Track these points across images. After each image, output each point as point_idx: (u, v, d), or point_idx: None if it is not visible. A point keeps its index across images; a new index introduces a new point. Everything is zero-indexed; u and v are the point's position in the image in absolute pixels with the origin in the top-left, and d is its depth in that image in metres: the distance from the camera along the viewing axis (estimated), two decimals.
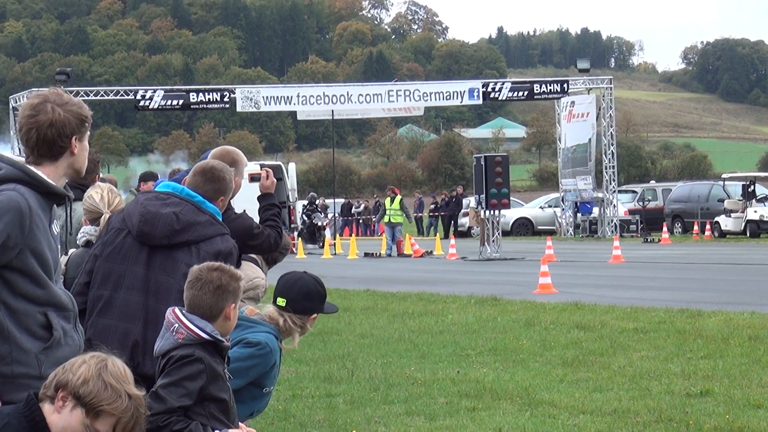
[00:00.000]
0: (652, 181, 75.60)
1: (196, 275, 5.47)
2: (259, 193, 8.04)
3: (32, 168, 5.01)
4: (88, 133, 5.22)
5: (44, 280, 4.96)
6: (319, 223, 48.67)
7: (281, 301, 5.97)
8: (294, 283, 6.07)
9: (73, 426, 4.20)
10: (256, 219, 7.95)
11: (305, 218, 49.58)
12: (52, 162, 5.08)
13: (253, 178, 8.09)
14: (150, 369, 6.18)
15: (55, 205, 5.12)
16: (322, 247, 45.63)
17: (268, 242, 7.61)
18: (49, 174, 5.03)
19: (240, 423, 5.59)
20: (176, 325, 5.40)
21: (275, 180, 8.13)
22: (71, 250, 7.30)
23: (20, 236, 4.86)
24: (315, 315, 6.15)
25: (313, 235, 48.02)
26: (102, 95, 56.75)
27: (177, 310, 5.46)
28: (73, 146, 5.10)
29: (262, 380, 6.38)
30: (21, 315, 4.84)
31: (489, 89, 54.60)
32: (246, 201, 8.52)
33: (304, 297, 6.04)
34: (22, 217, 4.86)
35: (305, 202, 51.83)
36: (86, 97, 55.18)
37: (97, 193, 7.40)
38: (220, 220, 6.54)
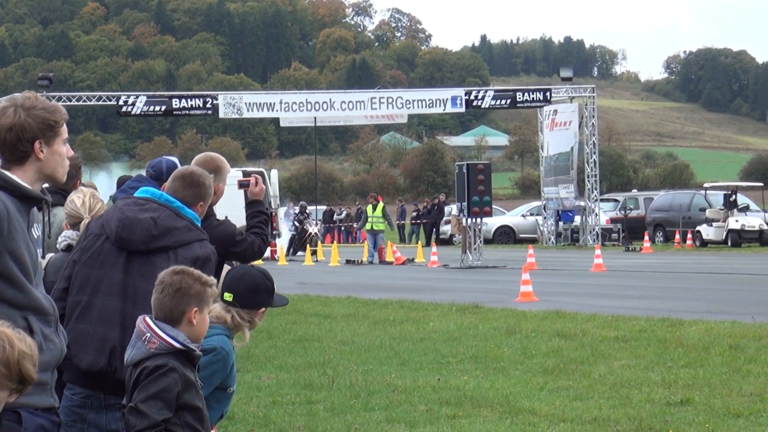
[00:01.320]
0: (634, 190, 75.81)
1: (160, 279, 5.44)
2: (246, 200, 8.03)
3: (5, 172, 4.99)
4: (62, 137, 5.16)
5: (24, 284, 4.94)
6: (311, 230, 48.51)
7: (228, 296, 5.93)
8: (241, 277, 6.03)
9: None
10: (240, 225, 7.94)
11: (296, 224, 49.53)
12: (19, 166, 5.06)
13: (242, 184, 8.07)
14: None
15: (35, 209, 5.10)
16: (314, 253, 45.58)
17: (252, 249, 7.59)
18: (20, 178, 5.01)
19: (211, 429, 5.56)
20: (148, 334, 5.34)
21: (264, 187, 8.13)
22: (49, 255, 7.29)
23: None
24: (263, 309, 6.11)
25: (303, 242, 47.91)
26: (84, 101, 56.69)
27: (148, 318, 5.40)
28: (36, 151, 5.06)
29: (225, 382, 6.36)
30: (3, 319, 4.82)
31: (472, 97, 54.64)
32: (230, 207, 8.51)
33: (252, 291, 5.99)
34: (0, 221, 4.84)
35: (296, 209, 51.81)
36: (68, 103, 55.09)
37: (78, 198, 7.40)
38: (199, 225, 6.53)
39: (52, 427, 5.09)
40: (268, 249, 45.58)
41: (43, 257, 6.98)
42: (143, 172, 8.46)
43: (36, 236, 5.10)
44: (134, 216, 6.37)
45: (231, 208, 8.51)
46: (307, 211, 51.18)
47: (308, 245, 46.65)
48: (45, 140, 5.08)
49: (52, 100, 5.55)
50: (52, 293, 6.28)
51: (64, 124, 5.17)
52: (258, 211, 7.93)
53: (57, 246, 7.37)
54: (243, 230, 8.01)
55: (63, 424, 6.16)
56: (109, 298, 6.26)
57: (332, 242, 56.95)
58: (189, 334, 5.39)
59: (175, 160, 8.24)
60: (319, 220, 59.22)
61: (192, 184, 6.62)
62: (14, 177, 4.98)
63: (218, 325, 5.85)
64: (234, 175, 8.33)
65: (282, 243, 47.94)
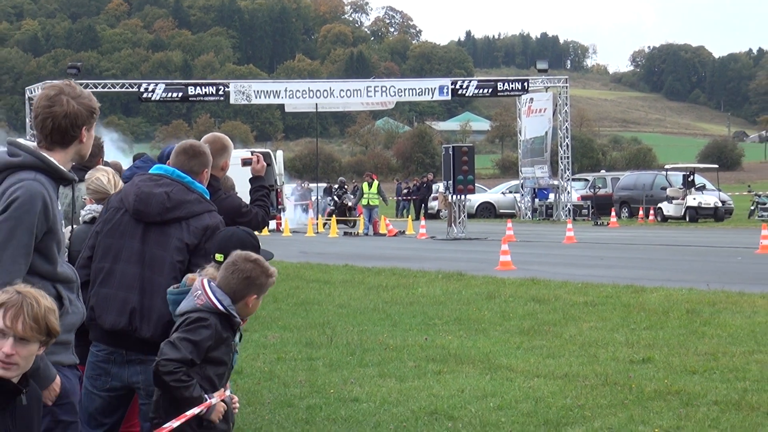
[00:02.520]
0: (603, 171, 75.66)
1: (233, 260, 5.55)
2: (251, 176, 8.05)
3: (45, 155, 5.02)
4: (95, 122, 5.21)
5: (57, 259, 5.02)
6: (349, 204, 47.38)
7: (219, 257, 5.92)
8: (229, 238, 6.01)
9: None
10: (246, 199, 7.93)
11: (336, 199, 48.98)
12: (63, 148, 5.09)
13: (245, 162, 8.07)
14: (146, 333, 6.18)
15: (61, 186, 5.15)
16: (353, 225, 44.91)
17: (256, 220, 7.62)
18: (59, 159, 5.05)
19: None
20: (199, 291, 5.48)
21: (265, 164, 8.13)
22: (74, 226, 7.28)
23: (44, 223, 4.90)
24: None
25: (343, 214, 47.39)
26: (109, 88, 56.45)
27: (205, 280, 5.52)
28: (82, 135, 5.13)
29: None
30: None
31: (457, 86, 54.55)
32: (237, 183, 8.49)
33: (240, 249, 6.00)
34: (46, 206, 4.90)
35: (335, 185, 51.34)
36: (95, 89, 54.83)
37: (104, 176, 7.43)
38: (208, 198, 6.55)
39: (75, 380, 5.20)
40: (274, 221, 45.56)
41: (71, 230, 7.01)
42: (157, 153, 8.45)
43: (59, 210, 5.13)
44: (149, 191, 6.38)
45: (239, 185, 8.48)
46: (345, 186, 50.86)
47: (349, 216, 46.23)
48: (88, 126, 5.14)
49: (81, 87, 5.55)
50: (77, 262, 6.32)
51: None
52: (260, 186, 7.94)
53: (81, 219, 7.37)
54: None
55: (90, 377, 6.23)
56: (128, 265, 6.28)
57: (332, 216, 56.92)
58: (240, 311, 5.52)
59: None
60: (320, 197, 59.00)
61: (195, 154, 6.64)
62: (53, 161, 5.01)
63: None
64: (243, 154, 8.33)
65: (287, 216, 47.85)
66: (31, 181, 4.90)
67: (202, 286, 5.48)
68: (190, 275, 5.91)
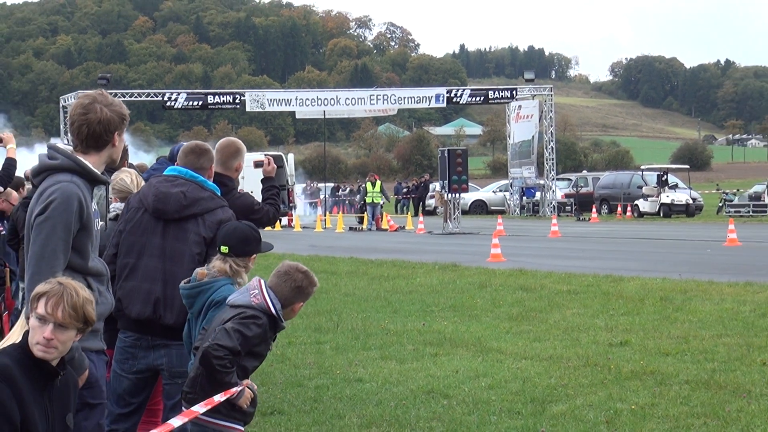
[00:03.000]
0: (584, 171, 75.61)
1: (286, 269, 5.52)
2: (262, 177, 8.05)
3: (81, 158, 5.03)
4: (125, 128, 5.23)
5: (89, 254, 5.03)
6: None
7: (224, 249, 5.91)
8: (233, 231, 6.00)
9: (30, 323, 4.37)
10: (258, 198, 7.92)
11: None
12: (97, 152, 5.10)
13: (257, 164, 8.07)
14: (170, 320, 6.18)
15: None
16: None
17: (267, 216, 7.61)
18: (94, 162, 5.08)
19: None
20: (256, 291, 5.43)
21: (276, 166, 8.12)
22: (103, 223, 7.28)
23: (79, 221, 4.92)
24: (255, 255, 6.11)
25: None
26: (136, 97, 56.45)
27: (263, 282, 5.49)
28: (114, 140, 5.14)
29: None
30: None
31: (452, 95, 54.54)
32: (250, 183, 8.48)
33: (243, 242, 5.96)
34: (81, 206, 4.93)
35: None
36: (123, 98, 54.84)
37: (127, 177, 7.45)
38: (219, 195, 6.56)
39: (102, 365, 5.22)
40: (286, 217, 45.40)
41: (103, 228, 7.01)
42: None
43: (94, 209, 5.13)
44: (167, 191, 6.39)
45: (252, 185, 8.48)
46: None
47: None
48: (120, 131, 5.16)
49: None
50: (103, 257, 6.31)
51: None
52: (271, 186, 7.93)
53: (107, 216, 7.36)
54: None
55: (118, 361, 6.25)
56: (151, 259, 6.30)
57: (338, 213, 56.93)
58: (286, 316, 5.51)
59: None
60: (328, 195, 58.89)
61: (201, 152, 6.64)
62: (88, 164, 5.03)
63: (221, 277, 5.83)
64: (255, 157, 8.33)
65: (298, 213, 47.73)
66: (67, 183, 4.92)
67: (260, 286, 5.45)
68: (199, 270, 5.89)
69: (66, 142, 7.44)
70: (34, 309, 4.31)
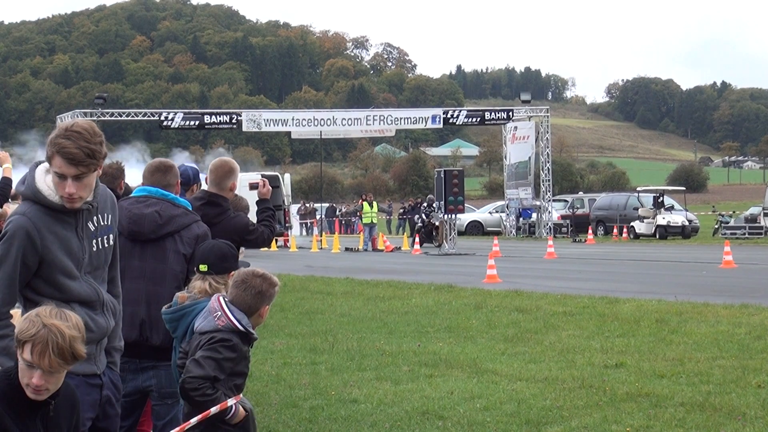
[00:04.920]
0: (581, 192, 75.68)
1: (243, 278, 5.46)
2: (257, 199, 8.05)
3: (39, 188, 4.71)
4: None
5: (62, 283, 4.74)
6: (436, 223, 42.91)
7: (203, 267, 5.89)
8: (210, 249, 5.99)
9: (19, 363, 4.22)
10: (254, 219, 7.94)
11: (424, 217, 45.14)
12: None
13: (252, 186, 8.07)
14: (157, 340, 6.20)
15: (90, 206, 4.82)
16: (439, 245, 39.86)
17: (262, 237, 7.62)
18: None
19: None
20: (219, 312, 5.38)
21: (270, 188, 8.14)
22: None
23: (35, 254, 4.66)
24: (233, 272, 6.11)
25: (430, 234, 43.84)
26: (132, 116, 56.54)
27: (222, 299, 5.43)
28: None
29: None
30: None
31: (448, 115, 54.60)
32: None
33: (221, 259, 5.96)
34: (31, 241, 4.65)
35: (425, 204, 46.83)
36: (120, 117, 55.01)
37: None
38: (191, 210, 6.57)
39: (90, 389, 4.95)
40: (282, 238, 45.29)
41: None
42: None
43: (92, 229, 4.87)
44: (140, 212, 6.41)
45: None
46: (434, 205, 46.14)
47: (434, 235, 42.94)
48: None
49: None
50: None
51: (56, 157, 4.65)
52: (266, 207, 7.94)
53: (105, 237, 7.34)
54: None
55: (105, 385, 6.17)
56: (132, 282, 6.27)
57: (334, 233, 56.94)
58: (254, 322, 5.46)
59: (195, 166, 8.26)
60: (324, 215, 58.90)
61: (167, 169, 6.65)
62: (45, 193, 4.69)
63: (202, 298, 5.82)
64: (251, 178, 8.32)
65: (294, 233, 47.74)
66: (19, 216, 4.68)
67: (221, 307, 5.40)
68: (179, 294, 5.87)
69: None
70: (20, 352, 4.18)
